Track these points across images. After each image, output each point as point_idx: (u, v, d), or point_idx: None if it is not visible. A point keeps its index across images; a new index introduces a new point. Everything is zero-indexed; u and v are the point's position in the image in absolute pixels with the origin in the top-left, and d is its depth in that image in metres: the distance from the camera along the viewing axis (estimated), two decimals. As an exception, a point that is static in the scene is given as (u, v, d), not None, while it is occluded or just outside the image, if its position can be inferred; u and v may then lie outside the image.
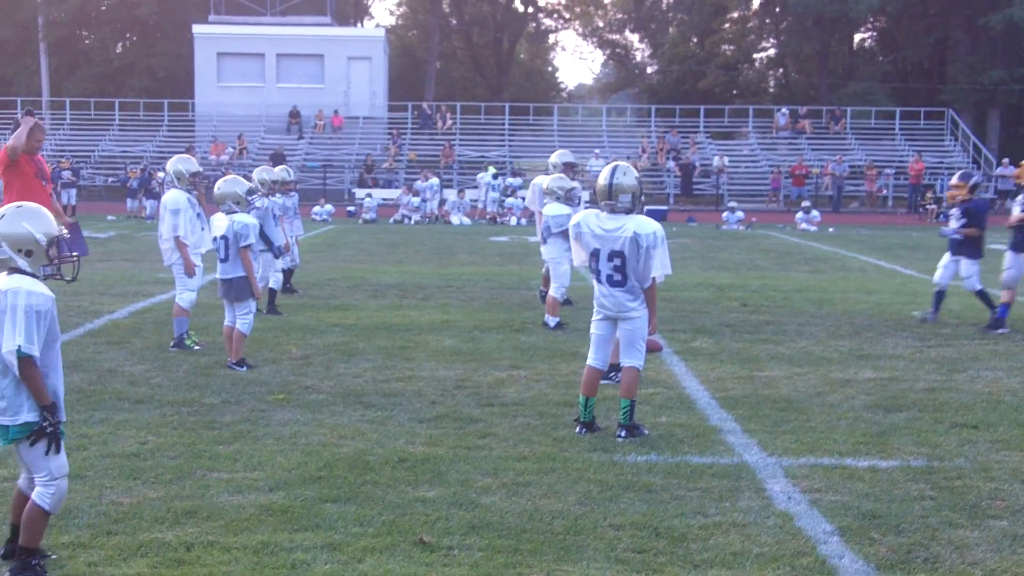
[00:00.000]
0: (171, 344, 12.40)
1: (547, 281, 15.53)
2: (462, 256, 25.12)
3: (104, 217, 38.95)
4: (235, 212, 11.61)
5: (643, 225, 8.78)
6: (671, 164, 50.97)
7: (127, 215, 40.25)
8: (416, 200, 40.15)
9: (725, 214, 38.53)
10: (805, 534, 6.66)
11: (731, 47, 76.18)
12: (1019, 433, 9.08)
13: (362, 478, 7.62)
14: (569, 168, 15.52)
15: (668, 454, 8.36)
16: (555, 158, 15.84)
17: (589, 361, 9.11)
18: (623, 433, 8.80)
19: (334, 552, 6.22)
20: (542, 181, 15.60)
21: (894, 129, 56.61)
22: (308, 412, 9.49)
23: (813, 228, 36.40)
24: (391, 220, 39.59)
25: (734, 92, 73.47)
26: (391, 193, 45.00)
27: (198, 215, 12.51)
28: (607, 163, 35.84)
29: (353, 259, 23.82)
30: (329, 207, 39.75)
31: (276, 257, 15.04)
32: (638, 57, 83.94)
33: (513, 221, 39.43)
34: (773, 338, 13.49)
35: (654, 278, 8.81)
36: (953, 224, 14.74)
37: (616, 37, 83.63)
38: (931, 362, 12.12)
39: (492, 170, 45.20)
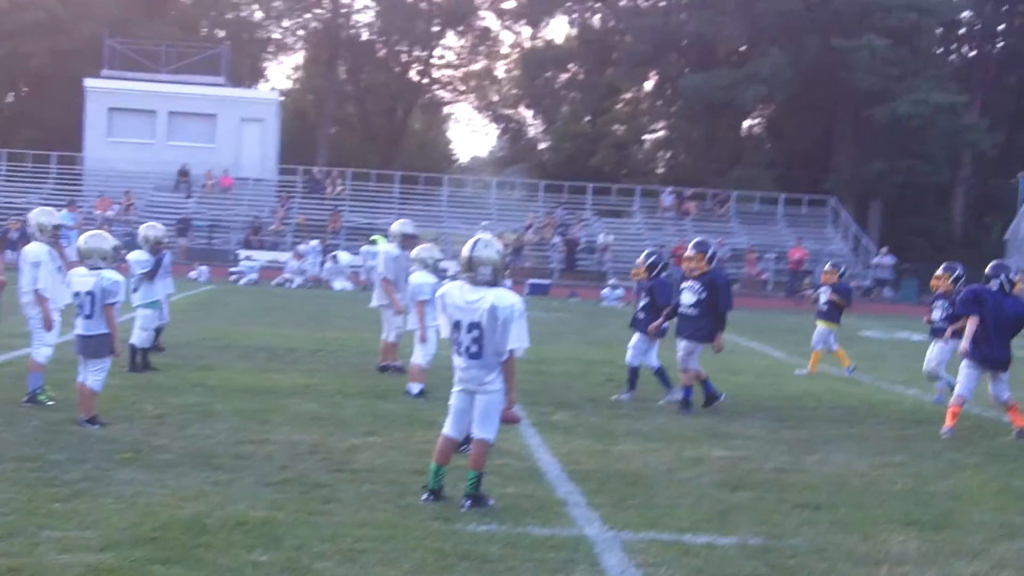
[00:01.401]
0: (24, 399, 12.17)
1: (386, 353, 15.70)
2: (339, 321, 25.04)
3: (-21, 268, 38.13)
4: (100, 268, 11.43)
5: (502, 298, 8.84)
6: (557, 239, 51.41)
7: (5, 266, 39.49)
8: (296, 264, 40.08)
9: (605, 290, 38.92)
10: (632, 609, 6.72)
11: (623, 127, 77.26)
12: (860, 515, 9.24)
13: (196, 540, 7.52)
14: (409, 239, 15.68)
15: (509, 524, 8.37)
16: (396, 227, 15.97)
17: (445, 430, 9.12)
18: (468, 503, 8.81)
19: (154, 615, 6.13)
20: (391, 250, 15.75)
21: (777, 214, 57.77)
22: (153, 472, 9.37)
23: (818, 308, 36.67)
24: (272, 283, 39.34)
25: (624, 172, 74.42)
26: (280, 255, 44.80)
27: (58, 268, 12.35)
28: (492, 236, 34.97)
29: (227, 321, 23.64)
30: (205, 268, 39.48)
31: (154, 310, 15.06)
32: (531, 132, 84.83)
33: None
34: (633, 414, 13.64)
35: (511, 351, 8.85)
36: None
37: (510, 112, 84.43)
38: (783, 443, 12.32)
39: (379, 239, 45.15)
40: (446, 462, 9.05)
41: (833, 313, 19.66)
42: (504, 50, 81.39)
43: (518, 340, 8.82)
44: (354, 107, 78.02)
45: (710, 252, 14.26)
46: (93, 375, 11.22)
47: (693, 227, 55.44)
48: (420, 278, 14.34)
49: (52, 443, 10.24)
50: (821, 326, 19.65)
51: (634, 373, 15.03)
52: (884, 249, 51.60)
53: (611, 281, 41.84)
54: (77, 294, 11.33)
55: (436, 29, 75.54)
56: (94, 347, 11.22)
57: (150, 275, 15.27)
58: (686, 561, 7.72)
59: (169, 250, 17.03)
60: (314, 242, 41.60)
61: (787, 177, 66.24)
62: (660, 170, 76.55)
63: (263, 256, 44.08)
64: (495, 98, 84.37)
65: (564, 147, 74.32)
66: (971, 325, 13.25)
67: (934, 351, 16.07)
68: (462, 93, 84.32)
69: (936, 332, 16.08)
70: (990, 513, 9.53)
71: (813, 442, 12.46)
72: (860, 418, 14.31)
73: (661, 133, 77.64)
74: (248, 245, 47.77)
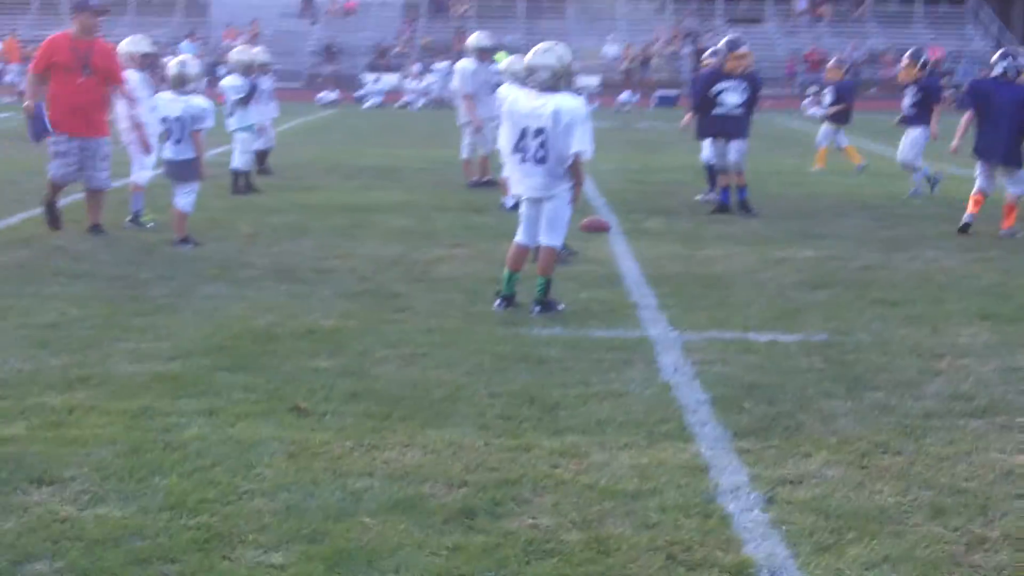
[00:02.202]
0: (127, 220, 12.57)
1: (472, 170, 15.66)
2: (451, 139, 25.10)
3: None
4: (188, 93, 11.62)
5: (565, 101, 8.83)
6: (686, 50, 50.49)
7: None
8: (417, 84, 40.11)
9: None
10: (677, 403, 6.79)
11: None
12: (936, 310, 9.16)
13: (263, 348, 7.79)
14: (487, 52, 15.49)
15: (574, 327, 8.49)
16: (472, 40, 15.81)
17: (517, 238, 9.22)
18: (537, 308, 8.94)
19: (209, 417, 6.39)
20: (468, 65, 15.62)
21: (914, 14, 55.82)
22: (236, 287, 9.66)
23: (820, 112, 36.04)
24: (396, 105, 39.54)
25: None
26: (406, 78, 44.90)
27: (152, 94, 12.60)
28: (621, 47, 34.58)
29: (341, 142, 23.93)
30: (334, 94, 39.83)
31: (251, 133, 15.32)
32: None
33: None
34: (726, 219, 13.56)
35: (576, 154, 8.85)
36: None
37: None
38: (877, 241, 12.18)
39: (501, 56, 44.94)
40: (518, 268, 9.15)
41: (922, 115, 17.04)
42: None
43: (581, 143, 8.81)
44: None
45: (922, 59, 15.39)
46: (184, 197, 11.52)
47: (828, 31, 53.98)
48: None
49: (145, 263, 10.60)
50: (826, 125, 19.40)
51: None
52: (1025, 46, 49.68)
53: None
54: (165, 119, 11.55)
55: None
56: (183, 171, 11.49)
57: (244, 100, 15.45)
58: (743, 358, 7.75)
59: (267, 74, 17.18)
60: (443, 64, 41.43)
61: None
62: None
63: (389, 79, 44.13)
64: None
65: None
66: (964, 120, 12.84)
67: (906, 141, 15.97)
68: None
69: (906, 121, 15.98)
70: (1071, 300, 9.36)
71: (907, 240, 12.29)
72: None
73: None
74: (374, 68, 47.88)
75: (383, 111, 36.80)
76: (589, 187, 16.53)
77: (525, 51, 15.06)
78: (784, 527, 5.09)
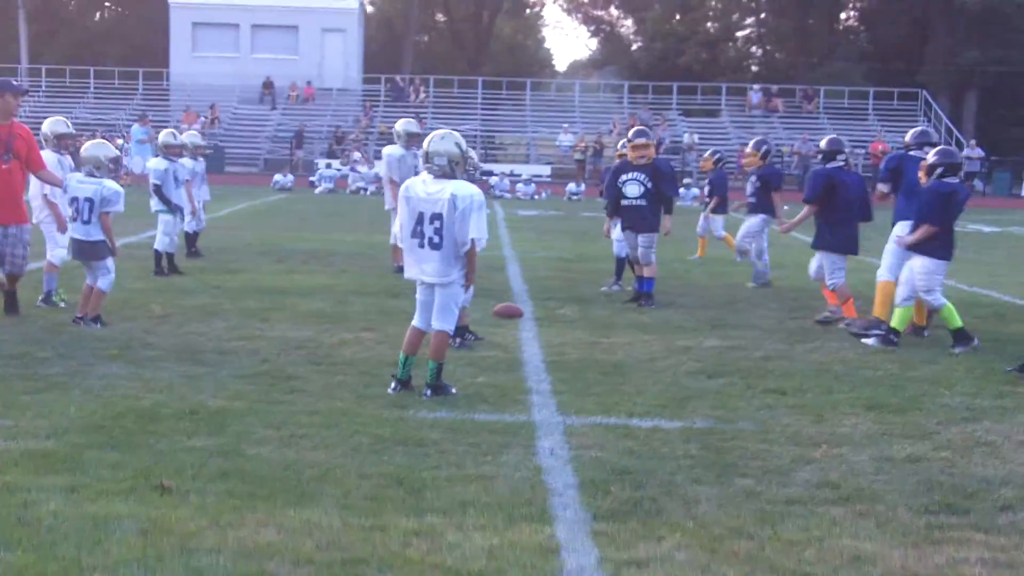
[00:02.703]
0: (39, 299, 12.56)
1: (399, 255, 15.69)
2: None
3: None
4: (96, 176, 11.65)
5: (461, 188, 8.96)
6: (639, 140, 50.94)
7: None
8: (365, 170, 40.49)
9: (680, 191, 38.60)
10: (545, 486, 6.83)
11: (714, 24, 76.11)
12: (824, 399, 9.25)
13: (143, 428, 7.79)
14: (413, 139, 15.60)
15: (461, 411, 8.53)
16: (400, 126, 15.95)
17: (413, 322, 9.29)
18: (428, 392, 8.99)
19: (70, 494, 6.38)
20: (394, 151, 15.77)
21: (867, 110, 56.71)
22: (133, 367, 9.67)
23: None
24: (347, 191, 39.78)
25: (715, 70, 73.36)
26: (359, 165, 45.14)
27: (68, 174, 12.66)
28: (575, 137, 35.28)
29: (284, 227, 24.01)
30: (290, 177, 40.08)
31: (173, 216, 15.33)
32: (623, 33, 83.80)
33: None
34: (641, 308, 13.65)
35: (472, 240, 8.95)
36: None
37: (600, 13, 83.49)
38: (784, 332, 12.30)
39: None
40: (414, 352, 9.21)
41: (761, 203, 16.41)
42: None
43: (478, 231, 8.93)
44: (440, 12, 77.74)
45: (763, 149, 15.64)
46: (102, 277, 11.52)
47: (782, 125, 54.76)
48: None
49: (47, 341, 10.59)
50: (713, 216, 19.84)
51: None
52: (972, 142, 50.46)
53: (686, 181, 41.47)
54: (75, 200, 11.59)
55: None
56: (91, 251, 11.53)
57: (158, 188, 15.45)
58: (621, 443, 7.81)
59: (202, 157, 17.33)
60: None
61: (880, 71, 64.90)
62: (754, 67, 75.39)
63: (343, 166, 44.43)
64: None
65: (655, 47, 73.35)
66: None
67: (743, 227, 16.57)
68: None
69: (749, 208, 16.51)
70: (961, 397, 9.47)
71: (813, 331, 12.42)
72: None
73: (751, 31, 76.31)
74: (331, 155, 48.18)
75: (335, 196, 36.95)
76: (513, 273, 16.71)
77: (483, 139, 15.33)
78: (618, 609, 5.13)
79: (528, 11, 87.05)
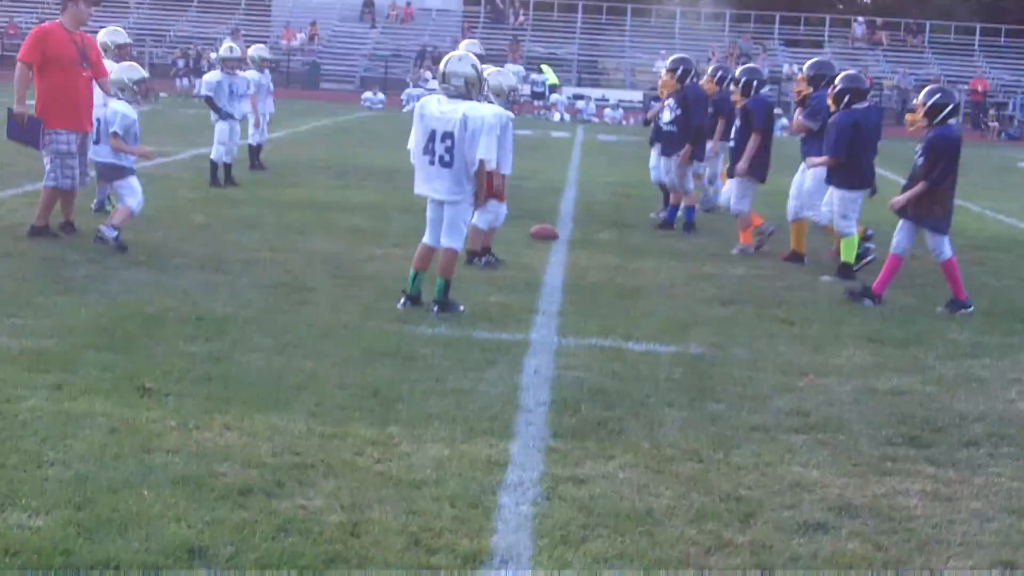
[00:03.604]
0: (92, 206, 12.87)
1: None
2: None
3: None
4: (121, 98, 11.42)
5: (474, 109, 9.06)
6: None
7: (176, 94, 41.11)
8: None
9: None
10: (516, 403, 6.96)
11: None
12: (829, 331, 9.24)
13: (146, 332, 8.04)
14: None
15: (461, 328, 8.68)
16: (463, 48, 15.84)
17: (424, 239, 9.45)
18: (436, 308, 9.15)
19: (53, 391, 6.64)
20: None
21: (973, 46, 55.36)
22: (156, 273, 9.95)
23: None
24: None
25: (819, 1, 71.82)
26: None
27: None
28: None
29: (355, 143, 24.24)
30: (381, 95, 40.45)
31: (227, 124, 15.61)
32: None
33: (556, 117, 39.90)
34: (677, 235, 13.66)
35: (481, 161, 9.04)
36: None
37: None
38: (816, 264, 12.24)
39: (546, 68, 45.40)
40: (423, 268, 9.37)
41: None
42: None
43: (486, 151, 9.01)
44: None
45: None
46: (129, 197, 11.16)
47: (885, 58, 53.74)
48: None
49: (83, 246, 10.89)
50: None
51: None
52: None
53: (776, 111, 40.86)
54: (97, 120, 11.43)
55: None
56: (106, 173, 11.44)
57: (209, 99, 15.71)
58: (608, 365, 7.90)
59: (266, 70, 17.59)
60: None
61: (989, 6, 63.13)
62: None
63: (414, 86, 44.55)
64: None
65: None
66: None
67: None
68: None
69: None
70: (970, 333, 9.41)
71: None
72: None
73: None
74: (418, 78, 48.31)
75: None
76: (568, 197, 16.77)
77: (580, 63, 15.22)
78: (540, 521, 5.26)
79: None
